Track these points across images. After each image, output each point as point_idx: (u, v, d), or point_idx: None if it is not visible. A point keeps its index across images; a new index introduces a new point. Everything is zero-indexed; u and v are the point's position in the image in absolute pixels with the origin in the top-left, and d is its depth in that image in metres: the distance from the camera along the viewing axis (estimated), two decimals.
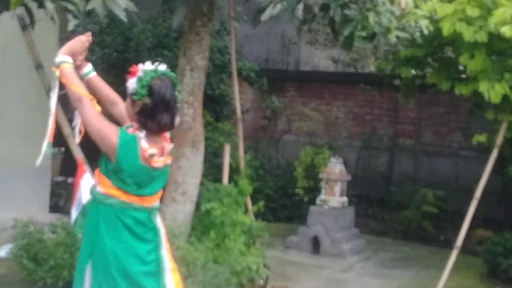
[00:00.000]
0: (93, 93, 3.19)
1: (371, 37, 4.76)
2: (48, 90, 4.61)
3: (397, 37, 4.87)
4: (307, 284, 6.16)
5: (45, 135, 2.91)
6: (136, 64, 2.89)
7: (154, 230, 2.99)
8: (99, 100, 3.25)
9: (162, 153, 2.93)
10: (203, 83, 5.55)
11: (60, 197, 7.48)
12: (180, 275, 3.10)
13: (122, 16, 3.88)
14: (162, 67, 2.90)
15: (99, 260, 2.88)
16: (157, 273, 2.96)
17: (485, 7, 5.52)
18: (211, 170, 7.36)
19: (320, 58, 11.23)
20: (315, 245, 7.22)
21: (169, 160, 2.99)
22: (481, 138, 6.18)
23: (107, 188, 2.89)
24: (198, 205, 5.57)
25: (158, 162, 2.88)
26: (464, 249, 6.24)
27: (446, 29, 5.56)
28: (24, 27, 5.16)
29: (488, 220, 8.18)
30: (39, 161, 2.93)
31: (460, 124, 9.63)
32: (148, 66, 2.87)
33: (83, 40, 3.00)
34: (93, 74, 3.13)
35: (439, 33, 5.71)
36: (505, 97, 5.60)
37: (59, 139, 5.29)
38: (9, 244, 5.58)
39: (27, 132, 6.34)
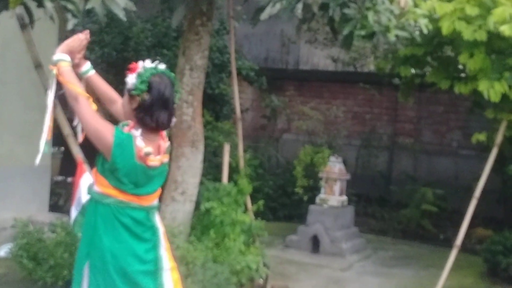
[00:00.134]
0: (92, 91, 3.19)
1: (371, 36, 4.76)
2: (48, 90, 4.61)
3: (397, 36, 4.87)
4: (306, 283, 6.16)
5: (45, 133, 2.91)
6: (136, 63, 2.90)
7: (153, 229, 2.99)
8: (98, 98, 3.25)
9: (158, 152, 2.92)
10: (202, 83, 5.55)
11: (60, 196, 7.49)
12: (179, 274, 3.10)
13: (121, 15, 3.87)
14: (162, 66, 2.91)
15: (97, 259, 2.87)
16: (155, 272, 2.95)
17: (485, 6, 5.51)
18: (211, 169, 7.36)
19: (320, 57, 11.23)
20: (315, 244, 7.23)
21: (165, 159, 2.98)
22: (481, 137, 6.18)
23: (104, 187, 2.89)
24: (197, 204, 5.57)
25: (154, 160, 2.87)
26: (463, 248, 6.24)
27: (446, 28, 5.56)
28: (23, 26, 5.15)
29: (487, 219, 8.19)
30: (38, 160, 2.92)
31: (459, 123, 9.63)
32: (148, 63, 2.88)
33: (81, 38, 3.00)
34: (92, 72, 3.13)
35: (438, 32, 5.71)
36: (504, 96, 5.60)
37: (59, 139, 5.30)
38: (8, 243, 5.58)
39: (27, 132, 6.34)
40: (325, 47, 10.62)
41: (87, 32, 3.05)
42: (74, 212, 3.17)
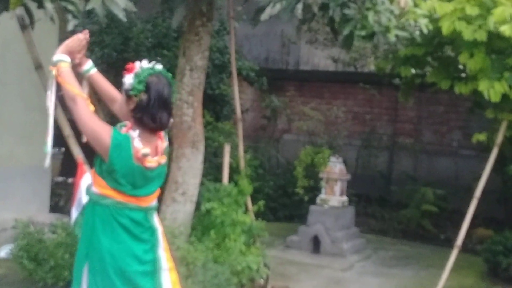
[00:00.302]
0: (94, 89, 3.19)
1: (371, 36, 4.76)
2: (48, 90, 4.61)
3: (397, 36, 4.87)
4: (307, 284, 6.16)
5: (46, 135, 2.90)
6: None
7: (151, 230, 2.99)
8: (99, 97, 3.25)
9: (155, 153, 2.91)
10: (202, 83, 5.55)
11: (60, 197, 7.49)
12: (177, 275, 3.09)
13: (122, 16, 3.87)
14: (159, 66, 2.91)
15: (96, 260, 2.87)
16: (153, 272, 2.95)
17: (485, 6, 5.51)
18: (211, 170, 7.36)
19: (320, 58, 11.23)
20: (315, 245, 7.22)
21: (163, 160, 2.97)
22: (481, 137, 6.17)
23: (102, 188, 2.88)
24: (198, 205, 5.57)
25: (151, 162, 2.87)
26: (464, 248, 6.24)
27: (446, 28, 5.56)
28: (23, 27, 5.15)
29: (488, 219, 8.19)
30: (47, 162, 2.92)
31: (459, 123, 9.64)
32: (145, 63, 2.87)
33: (80, 38, 3.00)
34: (94, 71, 3.13)
35: (438, 32, 5.70)
36: (504, 96, 5.60)
37: (59, 139, 5.30)
38: (9, 244, 5.58)
39: (27, 132, 6.34)
40: (326, 48, 10.62)
41: (86, 32, 3.04)
42: (74, 213, 3.17)
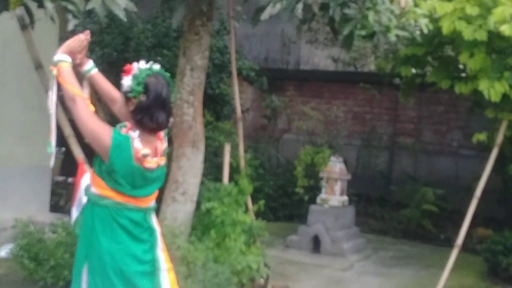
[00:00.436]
0: (94, 90, 3.19)
1: (371, 36, 4.76)
2: (48, 90, 4.62)
3: (397, 36, 4.87)
4: (307, 283, 6.16)
5: (49, 135, 2.90)
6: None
7: (150, 230, 2.99)
8: (100, 97, 3.25)
9: (155, 154, 2.92)
10: (203, 83, 5.55)
11: (61, 197, 7.49)
12: (175, 275, 3.10)
13: (122, 15, 3.87)
14: (156, 66, 2.90)
15: (96, 260, 2.87)
16: (152, 273, 2.96)
17: (485, 6, 5.52)
18: (212, 169, 7.36)
19: (320, 57, 11.23)
20: (315, 244, 7.23)
21: (162, 161, 2.97)
22: (481, 136, 6.18)
23: (101, 189, 2.89)
24: (198, 204, 5.57)
25: (151, 162, 2.87)
26: (464, 248, 6.23)
27: (446, 27, 5.56)
28: (23, 27, 5.16)
29: (488, 218, 8.19)
30: (52, 162, 2.94)
31: (460, 123, 9.63)
32: (142, 64, 2.87)
33: (81, 39, 3.00)
34: (95, 71, 3.13)
35: (438, 31, 5.71)
36: (505, 96, 5.60)
37: (60, 139, 5.30)
38: (9, 244, 5.58)
39: (27, 132, 6.34)
40: (326, 47, 10.62)
41: (87, 32, 3.05)
42: (75, 213, 3.17)
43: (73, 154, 5.05)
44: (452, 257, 5.72)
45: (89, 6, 3.82)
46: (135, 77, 2.82)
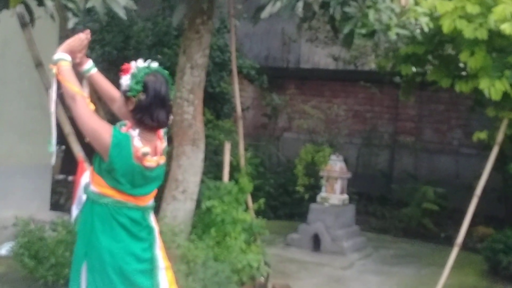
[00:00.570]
0: (94, 89, 3.19)
1: (371, 34, 4.76)
2: (48, 89, 4.63)
3: (397, 34, 4.87)
4: (307, 282, 6.16)
5: (50, 134, 2.91)
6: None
7: (148, 229, 2.99)
8: (100, 97, 3.25)
9: (155, 153, 2.92)
10: (203, 81, 5.55)
11: (61, 195, 7.50)
12: (173, 274, 3.10)
13: (122, 14, 3.87)
14: (154, 64, 2.90)
15: (95, 259, 2.87)
16: (151, 271, 2.96)
17: (485, 4, 5.51)
18: (212, 168, 7.36)
19: (321, 56, 11.22)
20: (316, 243, 7.23)
21: (162, 160, 2.97)
22: (482, 135, 6.17)
23: (101, 187, 2.89)
24: (198, 203, 5.57)
25: (151, 161, 2.87)
26: (464, 247, 6.23)
27: (446, 26, 5.56)
28: (23, 25, 5.16)
29: (488, 217, 8.19)
30: (53, 160, 2.95)
31: (460, 122, 9.63)
32: (140, 63, 2.87)
33: (82, 38, 3.00)
34: (94, 71, 3.14)
35: (439, 30, 5.70)
36: (505, 94, 5.60)
37: (60, 137, 5.31)
38: (10, 242, 5.58)
39: (27, 130, 6.34)
40: (326, 46, 10.60)
41: (88, 31, 3.05)
42: (75, 211, 3.17)
43: (73, 152, 5.06)
44: (452, 255, 5.72)
45: (89, 4, 3.82)
46: (133, 76, 2.82)
